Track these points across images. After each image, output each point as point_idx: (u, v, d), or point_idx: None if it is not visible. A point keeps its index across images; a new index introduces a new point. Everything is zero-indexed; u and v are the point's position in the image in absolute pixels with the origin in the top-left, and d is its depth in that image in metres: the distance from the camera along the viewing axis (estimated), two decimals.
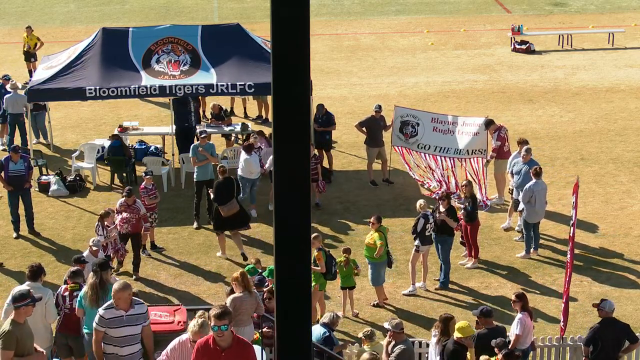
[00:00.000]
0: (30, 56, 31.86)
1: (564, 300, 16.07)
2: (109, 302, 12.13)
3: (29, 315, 11.86)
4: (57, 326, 14.21)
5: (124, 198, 18.99)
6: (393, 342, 14.52)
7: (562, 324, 15.99)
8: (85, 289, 13.47)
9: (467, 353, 13.91)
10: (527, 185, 19.55)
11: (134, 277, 18.97)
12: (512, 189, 20.92)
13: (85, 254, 16.82)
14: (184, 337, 11.23)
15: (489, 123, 22.05)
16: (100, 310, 12.04)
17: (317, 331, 14.68)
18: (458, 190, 21.50)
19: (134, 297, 12.12)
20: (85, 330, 13.42)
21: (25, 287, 12.55)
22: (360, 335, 15.43)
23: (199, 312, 11.86)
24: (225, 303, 14.03)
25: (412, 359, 14.87)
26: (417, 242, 18.47)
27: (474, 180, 21.55)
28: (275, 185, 4.65)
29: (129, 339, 11.86)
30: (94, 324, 12.03)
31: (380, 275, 18.08)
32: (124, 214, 18.81)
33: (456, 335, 14.06)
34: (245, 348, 10.27)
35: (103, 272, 13.53)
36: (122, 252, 18.97)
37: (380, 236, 17.87)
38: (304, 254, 4.41)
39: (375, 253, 17.82)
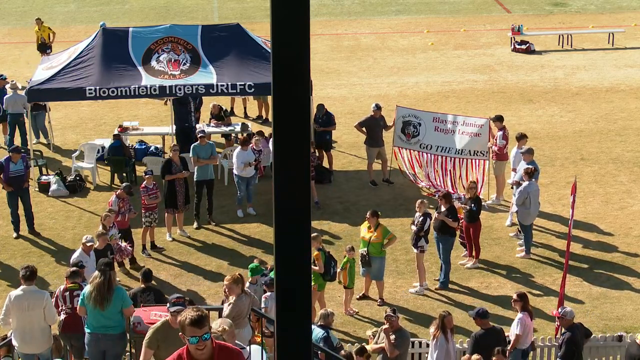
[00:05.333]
0: (45, 48, 31.65)
1: (560, 299, 16.09)
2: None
3: None
4: (60, 328, 14.18)
5: (120, 192, 19.32)
6: (392, 331, 14.69)
7: (557, 323, 15.99)
8: (89, 288, 13.38)
9: None
10: (522, 187, 19.46)
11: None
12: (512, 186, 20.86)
13: (77, 253, 16.83)
14: None
15: (498, 118, 22.16)
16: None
17: (315, 332, 14.70)
18: (457, 191, 21.51)
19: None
20: (86, 330, 13.40)
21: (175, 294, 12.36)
22: (368, 333, 15.53)
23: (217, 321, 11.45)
24: (228, 303, 13.97)
25: (409, 345, 15.18)
26: (421, 242, 18.46)
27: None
28: (275, 185, 4.65)
29: None
30: None
31: (383, 269, 18.23)
32: (123, 210, 19.17)
33: None
34: (232, 355, 7.79)
35: (112, 272, 13.50)
36: (127, 251, 18.86)
37: (385, 230, 18.01)
38: (304, 254, 4.41)
39: (385, 244, 17.97)
